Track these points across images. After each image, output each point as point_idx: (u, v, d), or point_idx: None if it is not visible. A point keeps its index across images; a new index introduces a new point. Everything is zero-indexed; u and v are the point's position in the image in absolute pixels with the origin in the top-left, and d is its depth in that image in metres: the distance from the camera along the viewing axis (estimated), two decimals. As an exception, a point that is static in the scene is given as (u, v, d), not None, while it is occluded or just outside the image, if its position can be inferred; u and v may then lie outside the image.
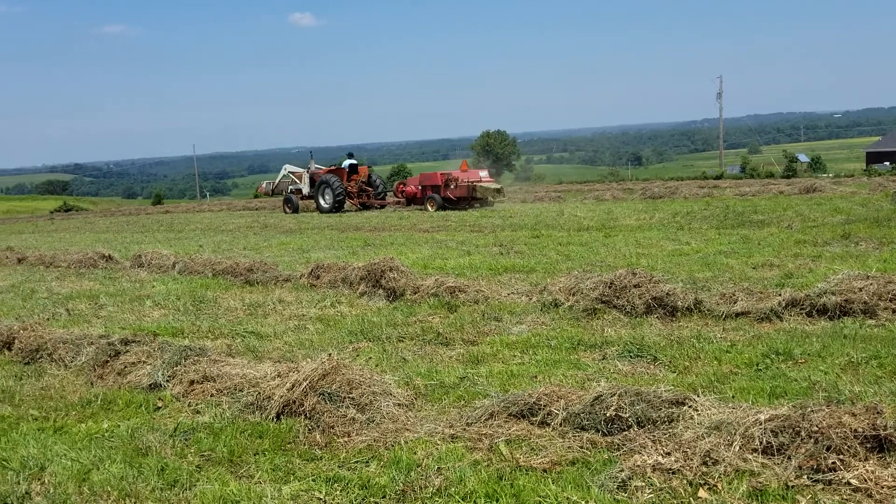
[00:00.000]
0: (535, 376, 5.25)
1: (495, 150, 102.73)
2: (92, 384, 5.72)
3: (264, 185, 33.36)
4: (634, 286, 7.11)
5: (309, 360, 5.10)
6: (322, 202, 27.41)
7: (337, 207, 26.86)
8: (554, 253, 11.48)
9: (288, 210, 28.92)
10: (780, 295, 6.75)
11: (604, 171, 76.75)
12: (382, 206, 27.75)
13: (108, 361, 6.00)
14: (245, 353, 6.38)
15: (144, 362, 5.85)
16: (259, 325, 7.46)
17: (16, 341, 6.89)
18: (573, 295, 7.40)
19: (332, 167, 29.27)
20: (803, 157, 54.48)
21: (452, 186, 24.79)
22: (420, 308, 7.75)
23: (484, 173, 25.77)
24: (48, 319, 8.26)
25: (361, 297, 8.61)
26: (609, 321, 6.74)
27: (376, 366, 5.67)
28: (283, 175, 30.98)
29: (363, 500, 3.57)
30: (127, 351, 6.06)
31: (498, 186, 25.13)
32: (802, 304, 6.50)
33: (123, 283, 11.09)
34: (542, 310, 7.33)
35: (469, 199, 24.69)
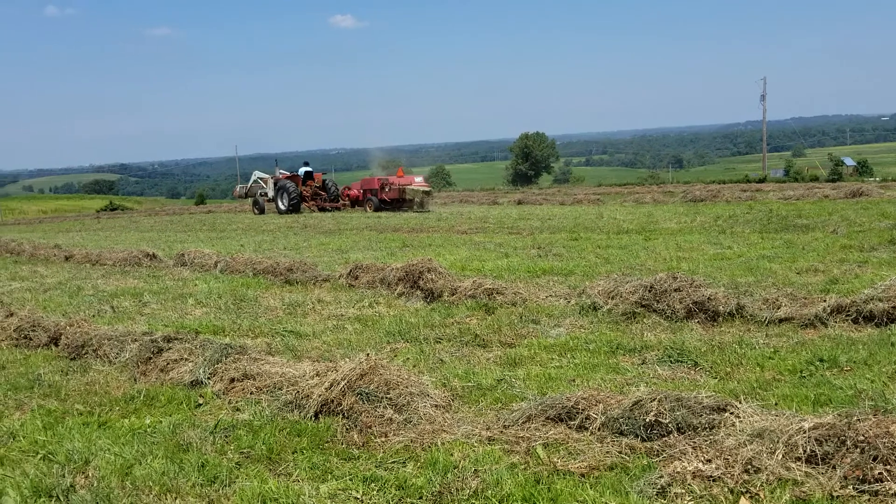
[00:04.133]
0: (573, 380, 5.21)
1: (534, 152, 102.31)
2: (135, 380, 5.82)
3: (238, 189, 36.82)
4: (675, 290, 7.02)
5: (347, 359, 5.13)
6: (280, 204, 30.26)
7: (292, 209, 29.59)
8: (593, 256, 11.40)
9: (255, 211, 32.02)
10: (825, 301, 6.62)
11: (644, 174, 75.96)
12: (336, 209, 30.18)
13: (151, 358, 6.11)
14: (284, 351, 6.45)
15: (186, 359, 5.94)
16: (298, 325, 7.53)
17: (62, 337, 7.05)
18: (612, 298, 7.34)
19: (291, 174, 31.74)
20: (849, 161, 53.29)
21: (387, 190, 27.70)
22: (458, 309, 7.75)
23: (419, 179, 28.57)
24: (94, 316, 8.44)
25: (399, 298, 8.65)
26: (649, 325, 6.67)
27: (414, 367, 5.69)
28: (254, 180, 34.18)
29: (400, 500, 3.58)
30: (169, 348, 6.16)
31: (427, 189, 27.76)
32: (848, 311, 6.36)
33: (167, 281, 11.28)
34: (580, 313, 7.28)
35: (401, 201, 27.49)
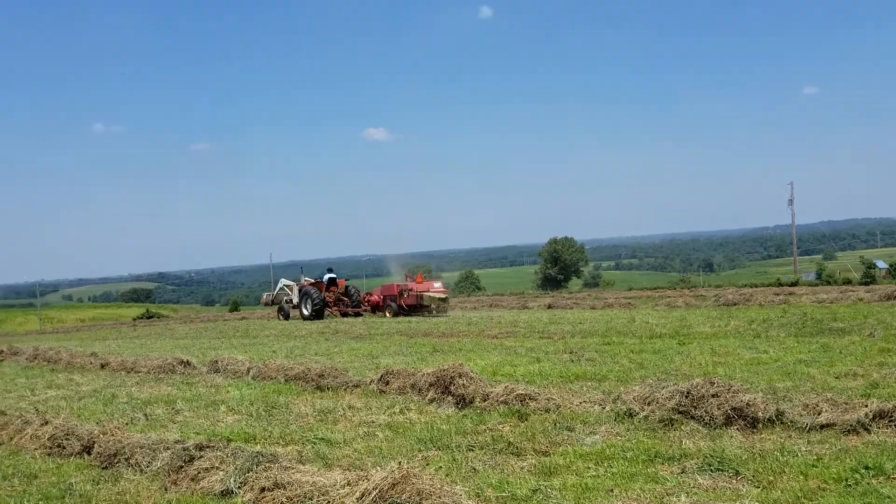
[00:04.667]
0: (612, 490, 5.09)
1: (563, 256, 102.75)
2: (166, 489, 5.79)
3: (265, 297, 38.20)
4: (712, 396, 6.90)
5: (378, 468, 5.08)
6: (304, 310, 30.97)
7: (316, 315, 30.22)
8: (626, 360, 11.27)
9: (280, 317, 33.12)
10: (866, 406, 6.45)
11: (675, 278, 75.63)
12: (358, 314, 31.05)
13: (182, 467, 6.08)
14: (315, 459, 6.39)
15: (217, 468, 5.91)
16: (329, 432, 7.48)
17: (95, 445, 7.07)
18: (648, 404, 7.22)
19: (315, 280, 32.81)
20: (881, 264, 52.58)
21: (405, 296, 28.67)
22: (490, 416, 7.66)
23: (438, 284, 29.81)
24: (127, 424, 8.46)
25: (430, 404, 8.57)
26: (687, 432, 6.53)
27: (446, 475, 5.59)
28: (280, 287, 35.39)
29: None
30: (201, 456, 6.14)
31: (443, 296, 28.56)
32: (891, 416, 6.19)
33: (199, 388, 11.32)
34: (616, 419, 7.16)
35: (418, 306, 28.20)
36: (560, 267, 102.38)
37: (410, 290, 28.75)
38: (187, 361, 13.80)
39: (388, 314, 29.08)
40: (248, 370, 12.19)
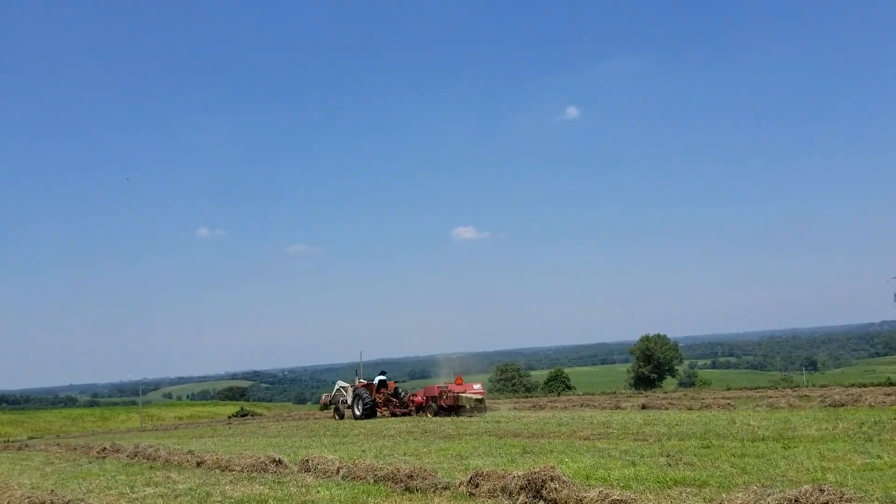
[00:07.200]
0: None
1: (656, 354, 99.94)
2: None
3: (324, 397, 40.16)
4: (821, 504, 6.52)
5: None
6: (356, 410, 33.24)
7: (367, 415, 32.41)
8: (727, 465, 10.76)
9: (336, 417, 35.21)
10: None
11: (776, 377, 72.40)
12: (406, 414, 32.41)
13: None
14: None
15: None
16: (419, 536, 7.38)
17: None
18: (751, 512, 6.86)
19: (367, 383, 35.04)
20: None
21: (444, 397, 29.84)
22: (584, 522, 7.41)
23: (477, 386, 30.28)
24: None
25: (522, 509, 8.37)
26: (794, 544, 6.14)
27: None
28: (337, 389, 37.46)
29: None
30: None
31: (479, 398, 29.19)
32: None
33: (290, 487, 11.40)
34: (717, 528, 6.81)
35: (456, 407, 29.26)
36: (653, 365, 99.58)
37: (449, 391, 30.06)
38: (279, 460, 13.95)
39: (429, 414, 30.62)
40: (338, 470, 12.22)
